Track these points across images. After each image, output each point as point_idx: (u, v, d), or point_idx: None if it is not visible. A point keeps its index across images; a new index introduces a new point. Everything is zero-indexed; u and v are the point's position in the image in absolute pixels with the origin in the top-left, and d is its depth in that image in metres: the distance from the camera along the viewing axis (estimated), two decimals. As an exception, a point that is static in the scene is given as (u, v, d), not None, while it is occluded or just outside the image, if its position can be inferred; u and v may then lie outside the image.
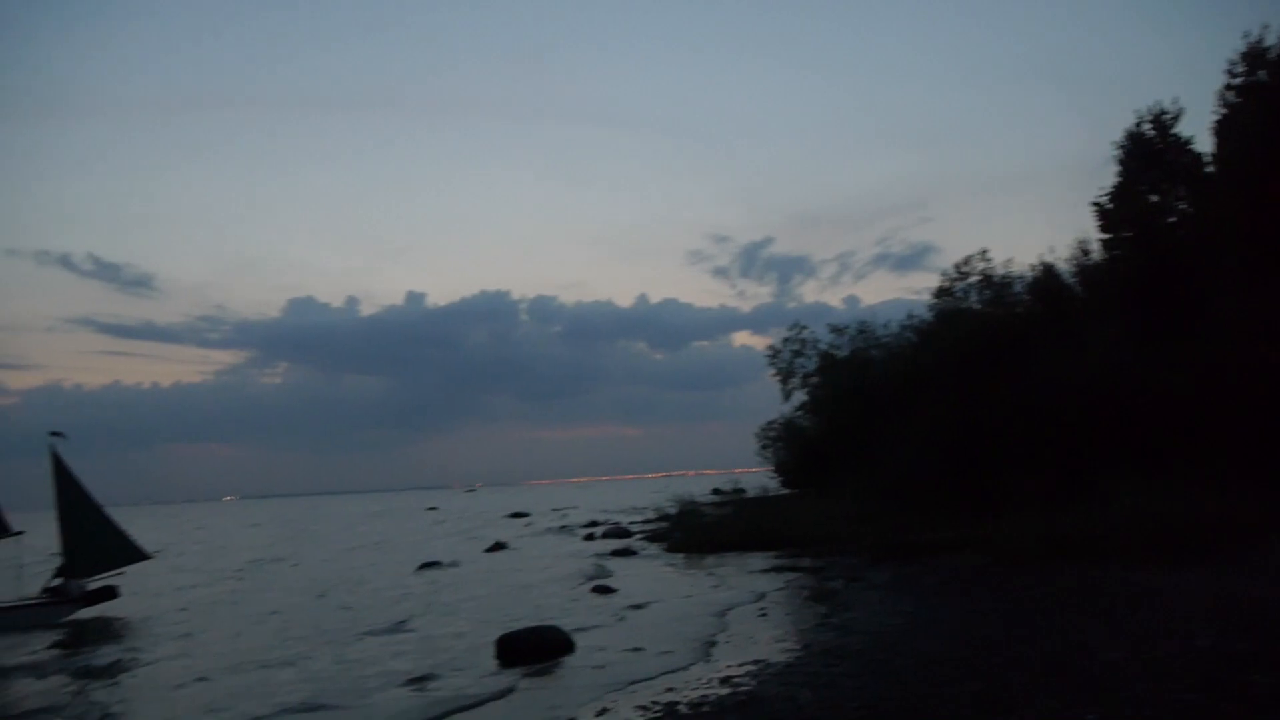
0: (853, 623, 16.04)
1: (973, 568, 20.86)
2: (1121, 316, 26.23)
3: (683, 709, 10.85)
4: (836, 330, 47.69)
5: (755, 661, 13.56)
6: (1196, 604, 13.45)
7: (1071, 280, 31.99)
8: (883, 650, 12.99)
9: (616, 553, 36.01)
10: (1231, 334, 21.98)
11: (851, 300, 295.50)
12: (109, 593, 25.81)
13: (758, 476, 53.34)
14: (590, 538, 47.06)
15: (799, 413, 49.46)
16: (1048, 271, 32.65)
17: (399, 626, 20.52)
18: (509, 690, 13.60)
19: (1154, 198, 28.85)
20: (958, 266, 37.05)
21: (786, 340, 49.20)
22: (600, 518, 62.52)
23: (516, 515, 78.11)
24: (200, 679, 15.83)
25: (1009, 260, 35.67)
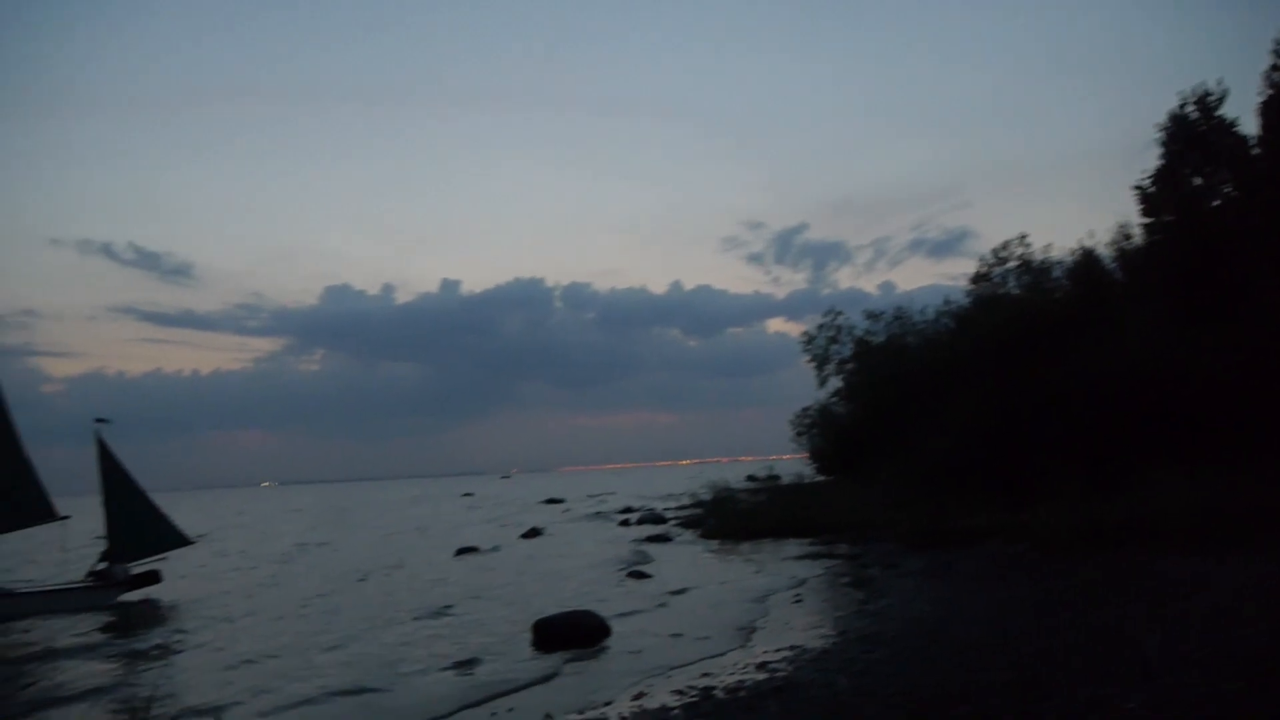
0: (889, 609, 16.05)
1: (1009, 555, 20.73)
2: (1163, 301, 25.83)
3: (719, 694, 10.94)
4: (872, 316, 47.30)
5: (791, 647, 13.63)
6: (1240, 594, 13.28)
7: (1112, 265, 31.55)
8: (919, 637, 12.99)
9: (652, 539, 36.19)
10: (1276, 318, 21.59)
11: (887, 286, 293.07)
12: (152, 577, 26.36)
13: (792, 463, 53.12)
14: (625, 524, 47.29)
15: (834, 399, 49.17)
16: (1088, 256, 32.22)
17: (438, 611, 20.78)
18: (553, 675, 13.76)
19: (1197, 181, 28.30)
20: (996, 252, 36.68)
21: (821, 326, 48.91)
22: (635, 504, 62.77)
23: (552, 501, 78.65)
24: (246, 661, 16.16)
25: (1048, 245, 35.29)
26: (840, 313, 48.93)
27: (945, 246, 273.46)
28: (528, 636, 16.47)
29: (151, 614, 23.69)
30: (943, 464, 27.85)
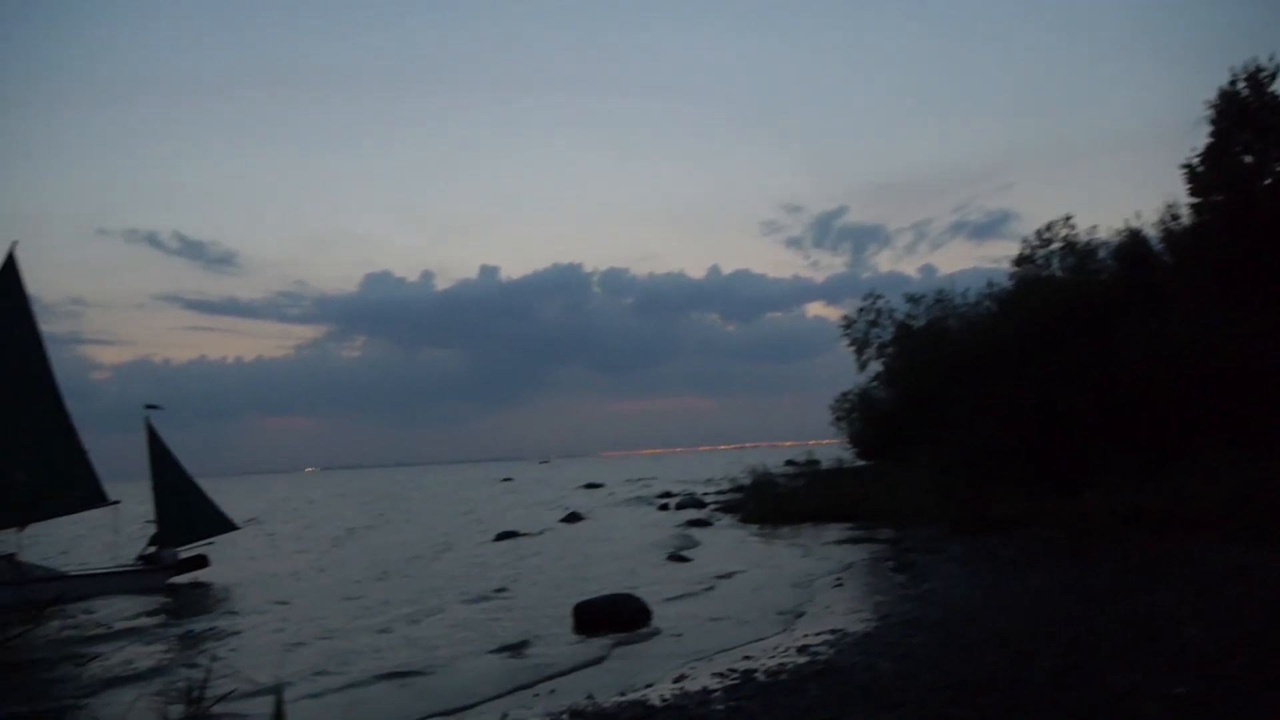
0: (931, 594, 16.02)
1: (1052, 540, 20.57)
2: (1212, 283, 25.37)
3: (760, 676, 11.02)
4: (913, 300, 46.90)
5: (833, 631, 13.67)
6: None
7: (1159, 246, 31.02)
8: (961, 622, 12.97)
9: (692, 523, 36.34)
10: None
11: (928, 270, 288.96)
12: (200, 561, 26.96)
13: (832, 448, 52.90)
14: (665, 508, 47.48)
15: (874, 384, 48.88)
16: (1134, 237, 31.71)
17: (482, 595, 21.08)
18: (597, 660, 13.92)
19: (1248, 159, 27.73)
20: (1039, 233, 36.25)
21: (861, 310, 48.56)
22: (675, 489, 62.91)
23: (591, 486, 79.06)
24: (297, 644, 16.53)
25: (1093, 227, 34.76)
26: (880, 296, 48.57)
27: (987, 229, 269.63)
28: (569, 620, 16.67)
29: (203, 597, 24.23)
30: (985, 448, 27.61)
